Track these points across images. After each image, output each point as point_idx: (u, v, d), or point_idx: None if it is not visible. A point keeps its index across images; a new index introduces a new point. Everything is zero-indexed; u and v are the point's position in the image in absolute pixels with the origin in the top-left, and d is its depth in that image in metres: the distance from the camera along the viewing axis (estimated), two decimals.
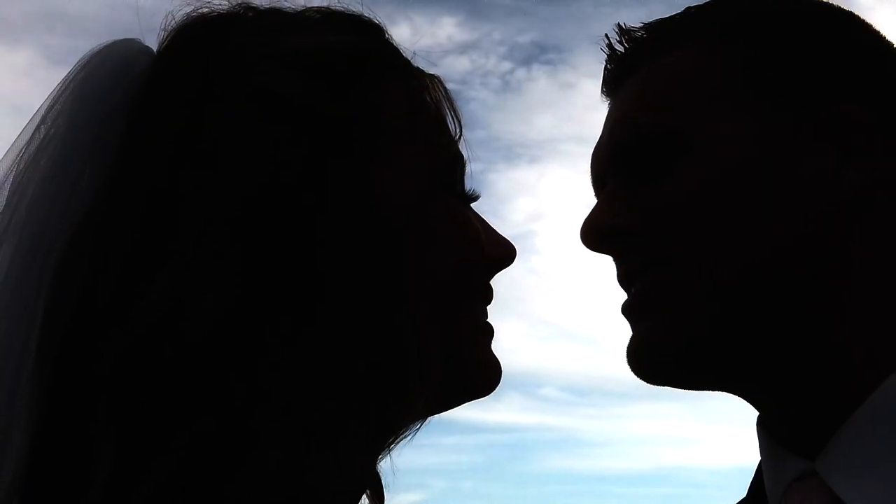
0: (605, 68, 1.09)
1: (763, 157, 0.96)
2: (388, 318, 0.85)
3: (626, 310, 1.02)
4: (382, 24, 0.97)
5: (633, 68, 1.05)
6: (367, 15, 0.97)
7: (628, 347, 1.02)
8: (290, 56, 0.87)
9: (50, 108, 0.87)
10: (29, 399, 0.79)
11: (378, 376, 0.84)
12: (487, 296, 0.99)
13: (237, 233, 0.80)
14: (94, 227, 0.82)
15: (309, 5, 0.97)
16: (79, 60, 0.89)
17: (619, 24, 1.06)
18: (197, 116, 0.83)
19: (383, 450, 0.95)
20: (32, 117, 0.86)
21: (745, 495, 1.07)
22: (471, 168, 1.00)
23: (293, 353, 0.79)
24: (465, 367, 0.94)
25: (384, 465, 0.95)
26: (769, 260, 0.94)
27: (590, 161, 1.09)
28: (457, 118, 0.99)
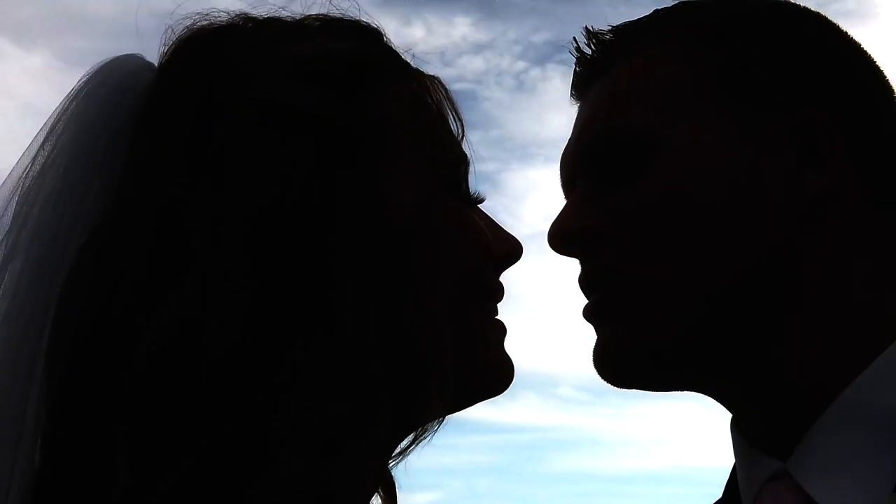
0: (574, 71, 1.09)
1: (731, 159, 0.97)
2: (401, 324, 0.86)
3: (590, 313, 1.03)
4: (381, 28, 0.98)
5: (601, 71, 1.06)
6: (364, 20, 0.97)
7: (594, 350, 1.02)
8: (291, 65, 0.88)
9: (54, 126, 0.88)
10: (38, 414, 0.79)
11: (394, 381, 0.84)
12: (498, 294, 0.99)
13: (249, 246, 0.80)
14: (105, 244, 0.83)
15: (307, 13, 0.97)
16: (81, 77, 0.89)
17: (586, 26, 1.07)
18: (202, 131, 0.84)
19: (400, 452, 0.95)
20: (37, 135, 0.87)
21: (720, 496, 1.08)
22: (475, 168, 1.00)
23: (309, 362, 0.80)
24: (477, 366, 0.94)
25: (398, 466, 0.96)
26: (737, 264, 0.95)
27: (559, 164, 1.10)
28: (458, 118, 0.99)
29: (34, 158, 0.86)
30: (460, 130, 0.99)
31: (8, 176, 0.87)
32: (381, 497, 0.96)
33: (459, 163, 0.97)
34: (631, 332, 0.98)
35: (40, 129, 0.87)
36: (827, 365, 0.93)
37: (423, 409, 0.90)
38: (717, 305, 0.95)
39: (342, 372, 0.80)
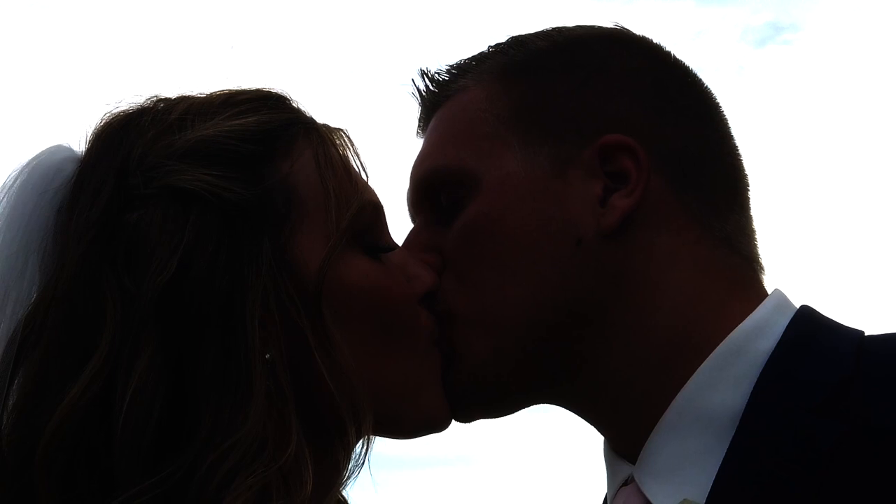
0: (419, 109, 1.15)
1: (537, 192, 1.02)
2: (316, 378, 0.95)
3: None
4: (285, 94, 1.06)
5: (433, 109, 1.12)
6: (267, 89, 1.05)
7: None
8: (193, 151, 0.97)
9: None
10: None
11: (310, 424, 0.94)
12: (424, 330, 1.06)
13: (155, 319, 0.90)
14: (39, 320, 0.94)
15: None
16: (13, 170, 1.00)
17: (420, 67, 1.13)
18: (112, 221, 0.94)
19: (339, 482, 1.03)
20: None
21: None
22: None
23: (224, 422, 0.89)
24: (406, 411, 1.04)
25: None
26: (549, 293, 1.01)
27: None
28: (363, 166, 1.06)
29: None
30: (366, 177, 1.06)
31: None
32: None
33: (364, 212, 1.03)
34: (459, 371, 1.05)
35: None
36: (651, 376, 0.99)
37: (345, 447, 0.99)
38: (532, 335, 1.01)
39: (264, 431, 0.90)
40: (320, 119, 1.07)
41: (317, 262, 0.97)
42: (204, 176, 0.95)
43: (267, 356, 0.93)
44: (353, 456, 1.02)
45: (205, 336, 0.91)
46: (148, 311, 0.90)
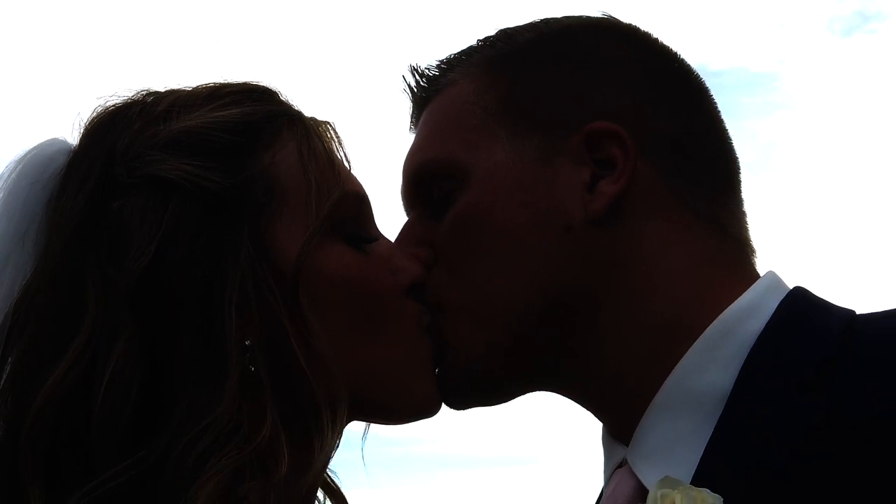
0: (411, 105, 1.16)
1: (527, 181, 1.02)
2: (290, 362, 0.96)
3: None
4: (273, 88, 1.08)
5: (424, 105, 1.13)
6: (254, 83, 1.08)
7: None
8: (176, 141, 0.99)
9: None
10: None
11: (287, 409, 0.95)
12: (417, 318, 1.06)
13: (132, 307, 0.93)
14: (24, 306, 0.97)
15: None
16: (10, 162, 1.04)
17: (411, 64, 1.14)
18: (97, 210, 0.97)
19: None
20: None
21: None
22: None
23: (199, 406, 0.91)
24: (388, 399, 1.05)
25: None
26: (541, 282, 1.00)
27: None
28: (346, 157, 1.08)
29: None
30: (349, 167, 1.07)
31: None
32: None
33: (346, 202, 1.04)
34: (451, 363, 1.05)
35: None
36: (643, 362, 0.98)
37: (320, 431, 0.98)
38: (523, 326, 1.01)
39: (239, 415, 0.91)
40: (311, 115, 1.09)
41: (295, 251, 0.98)
42: (184, 166, 0.97)
43: (247, 342, 0.94)
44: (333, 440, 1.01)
45: (181, 322, 0.93)
46: (126, 296, 0.92)
